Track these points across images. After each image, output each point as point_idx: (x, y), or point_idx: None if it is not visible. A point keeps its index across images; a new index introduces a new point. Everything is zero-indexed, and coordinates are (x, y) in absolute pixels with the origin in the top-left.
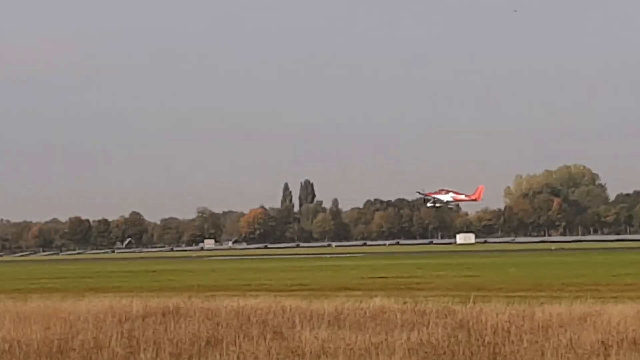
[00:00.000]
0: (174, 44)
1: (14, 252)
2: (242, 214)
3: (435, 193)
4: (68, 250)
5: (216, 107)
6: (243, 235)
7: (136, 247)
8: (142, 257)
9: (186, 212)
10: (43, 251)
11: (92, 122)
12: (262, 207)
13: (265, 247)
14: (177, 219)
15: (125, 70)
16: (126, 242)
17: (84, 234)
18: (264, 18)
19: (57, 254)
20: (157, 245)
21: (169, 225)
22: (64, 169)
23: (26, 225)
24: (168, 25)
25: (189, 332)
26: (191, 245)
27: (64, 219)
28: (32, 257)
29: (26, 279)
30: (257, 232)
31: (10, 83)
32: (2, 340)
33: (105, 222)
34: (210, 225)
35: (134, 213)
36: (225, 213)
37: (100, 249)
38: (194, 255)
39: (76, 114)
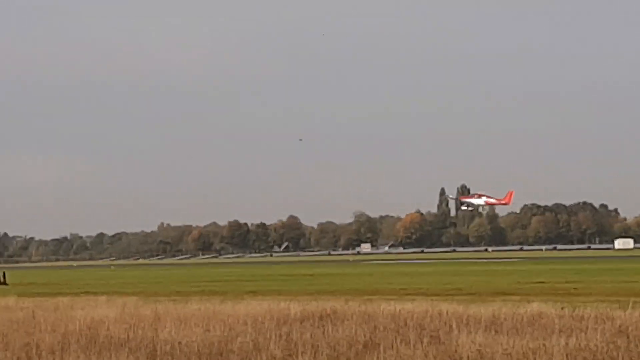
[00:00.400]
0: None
1: (175, 256)
2: (399, 219)
3: (469, 197)
4: (227, 253)
5: (377, 112)
6: (399, 239)
7: (293, 251)
8: (299, 261)
9: (343, 217)
10: (202, 255)
11: (247, 128)
12: (419, 211)
13: (422, 252)
14: (334, 223)
15: (281, 75)
16: (284, 245)
17: (242, 238)
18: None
19: (216, 257)
20: (314, 249)
21: (326, 229)
22: (223, 174)
23: (186, 229)
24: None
25: (346, 335)
26: (348, 249)
27: (223, 223)
28: (192, 260)
29: (186, 282)
30: (414, 236)
31: (170, 91)
32: (164, 342)
33: (263, 226)
34: (367, 230)
35: (291, 217)
36: (381, 217)
37: (259, 253)
38: (351, 259)
39: (232, 121)
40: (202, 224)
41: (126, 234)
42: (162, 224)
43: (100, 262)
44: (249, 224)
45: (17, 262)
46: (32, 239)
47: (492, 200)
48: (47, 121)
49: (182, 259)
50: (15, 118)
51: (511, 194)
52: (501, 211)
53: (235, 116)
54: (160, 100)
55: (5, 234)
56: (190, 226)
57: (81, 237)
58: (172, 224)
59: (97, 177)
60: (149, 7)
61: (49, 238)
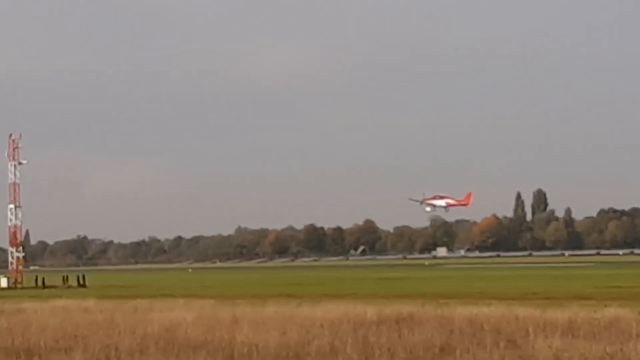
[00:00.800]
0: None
1: (251, 259)
2: (475, 223)
3: (431, 199)
4: (303, 257)
5: (451, 122)
6: (475, 243)
7: (369, 255)
8: (375, 265)
9: (419, 220)
10: (279, 258)
11: (322, 134)
12: (495, 215)
13: (498, 256)
14: (409, 227)
15: (362, 85)
16: (360, 249)
17: (318, 242)
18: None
19: (292, 260)
20: (390, 253)
21: (401, 233)
22: (299, 178)
23: (263, 233)
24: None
25: (422, 339)
26: (423, 253)
27: (299, 226)
28: (268, 263)
29: (263, 285)
30: (490, 240)
31: (250, 98)
32: (241, 345)
33: (339, 230)
34: (443, 234)
35: (367, 221)
36: (457, 222)
37: (335, 256)
38: (427, 263)
39: (308, 127)
40: (278, 228)
41: (204, 237)
42: (240, 227)
43: (177, 265)
44: (325, 228)
45: (96, 264)
46: (111, 242)
47: (452, 202)
48: (127, 127)
49: (259, 262)
50: (96, 124)
51: (470, 195)
52: (577, 214)
53: (311, 122)
54: (239, 106)
55: (85, 237)
56: (267, 230)
57: (159, 241)
58: (249, 227)
59: (176, 181)
60: (241, 16)
61: (127, 241)
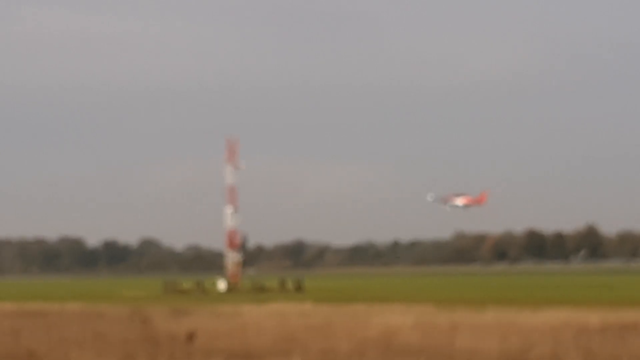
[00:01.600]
0: None
1: (470, 264)
2: None
3: (451, 197)
4: (523, 262)
5: None
6: None
7: (591, 260)
8: (597, 270)
9: None
10: (498, 263)
11: (541, 134)
12: None
13: None
14: (635, 231)
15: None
16: (581, 254)
17: (538, 247)
18: None
19: (511, 265)
20: (613, 258)
21: (626, 237)
22: (517, 181)
23: (482, 238)
24: None
25: None
26: None
27: (519, 231)
28: (487, 268)
29: (482, 290)
30: None
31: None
32: (460, 351)
33: (560, 234)
34: None
35: (589, 225)
36: None
37: (555, 262)
38: None
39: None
40: (497, 233)
41: (421, 241)
42: (458, 231)
43: (394, 269)
44: (545, 233)
45: (313, 268)
46: (328, 245)
47: (469, 200)
48: (344, 131)
49: (477, 267)
50: (314, 129)
51: (484, 194)
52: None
53: (525, 122)
54: (449, 107)
55: (302, 241)
56: (486, 234)
57: (376, 245)
58: (468, 232)
59: (393, 184)
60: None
61: (344, 245)
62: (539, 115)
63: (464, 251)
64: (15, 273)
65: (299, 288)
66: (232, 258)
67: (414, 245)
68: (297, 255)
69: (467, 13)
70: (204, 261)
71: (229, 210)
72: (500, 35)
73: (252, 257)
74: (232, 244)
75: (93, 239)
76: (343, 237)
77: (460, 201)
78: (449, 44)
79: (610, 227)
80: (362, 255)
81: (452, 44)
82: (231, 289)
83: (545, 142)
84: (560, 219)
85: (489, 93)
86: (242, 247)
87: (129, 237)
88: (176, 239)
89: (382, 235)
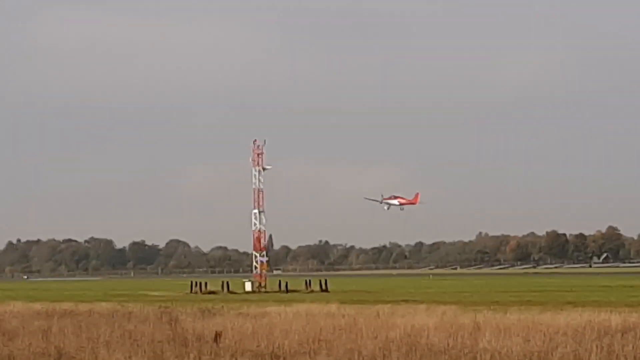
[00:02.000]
0: None
1: (492, 265)
2: None
3: (388, 198)
4: (545, 264)
5: None
6: None
7: (613, 262)
8: (619, 272)
9: None
10: (520, 264)
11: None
12: None
13: None
14: None
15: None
16: (603, 256)
17: (561, 248)
18: None
19: (534, 267)
20: (635, 261)
21: None
22: (539, 183)
23: (504, 239)
24: None
25: None
26: None
27: (541, 232)
28: (509, 270)
29: (505, 291)
30: None
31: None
32: (483, 351)
33: (582, 236)
34: None
35: (611, 227)
36: None
37: (577, 263)
38: None
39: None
40: (520, 234)
41: (444, 243)
42: (480, 233)
43: (418, 270)
44: (567, 234)
45: (337, 269)
46: (352, 247)
47: (404, 201)
48: (366, 134)
49: (500, 268)
50: (338, 131)
51: (417, 195)
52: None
53: (547, 128)
54: (475, 111)
55: (327, 242)
56: (508, 236)
57: (400, 246)
58: (490, 233)
59: (417, 185)
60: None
61: (368, 246)
62: (563, 119)
63: (486, 252)
64: (46, 273)
65: (324, 289)
66: (259, 259)
67: (437, 246)
68: (323, 256)
69: (501, 21)
70: (230, 262)
71: (255, 211)
72: (530, 44)
73: (278, 258)
74: (258, 246)
75: (122, 240)
76: (367, 238)
77: (396, 201)
78: (480, 50)
79: (631, 229)
80: (386, 256)
81: (483, 50)
82: (257, 290)
83: (568, 144)
84: (582, 221)
85: (514, 98)
86: (268, 249)
87: (157, 238)
88: (203, 240)
89: (406, 237)
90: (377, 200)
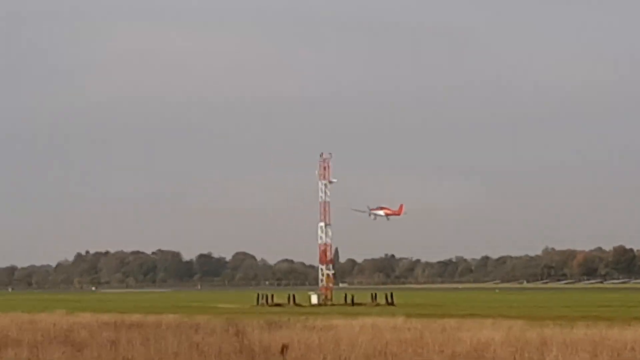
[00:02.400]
0: None
1: (559, 280)
2: None
3: (375, 209)
4: (612, 279)
5: None
6: None
7: None
8: None
9: None
10: (587, 279)
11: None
12: None
13: None
14: None
15: None
16: None
17: (628, 263)
18: None
19: (601, 282)
20: None
21: None
22: (608, 198)
23: (571, 254)
24: None
25: None
26: None
27: (608, 248)
28: (576, 285)
29: (571, 306)
30: None
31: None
32: None
33: None
34: None
35: None
36: None
37: None
38: None
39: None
40: (587, 249)
41: (511, 257)
42: (547, 247)
43: (484, 285)
44: (635, 250)
45: (403, 283)
46: (418, 260)
47: (389, 212)
48: (437, 146)
49: (566, 283)
50: (406, 143)
51: (402, 206)
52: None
53: (599, 137)
54: (540, 124)
55: (393, 256)
56: (575, 250)
57: (466, 260)
58: (557, 248)
59: (484, 200)
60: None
61: (434, 260)
62: (625, 127)
63: (553, 267)
64: (114, 285)
65: (390, 302)
66: (324, 272)
67: (503, 261)
68: (388, 270)
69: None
70: (297, 275)
71: (321, 224)
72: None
73: (344, 271)
74: (324, 259)
75: (189, 253)
76: (433, 252)
77: (382, 212)
78: (539, 57)
79: None
80: (452, 270)
81: (542, 57)
82: (323, 302)
83: (635, 155)
84: None
85: (577, 107)
86: (334, 262)
87: (224, 250)
88: (270, 252)
89: (472, 251)
90: (364, 211)
